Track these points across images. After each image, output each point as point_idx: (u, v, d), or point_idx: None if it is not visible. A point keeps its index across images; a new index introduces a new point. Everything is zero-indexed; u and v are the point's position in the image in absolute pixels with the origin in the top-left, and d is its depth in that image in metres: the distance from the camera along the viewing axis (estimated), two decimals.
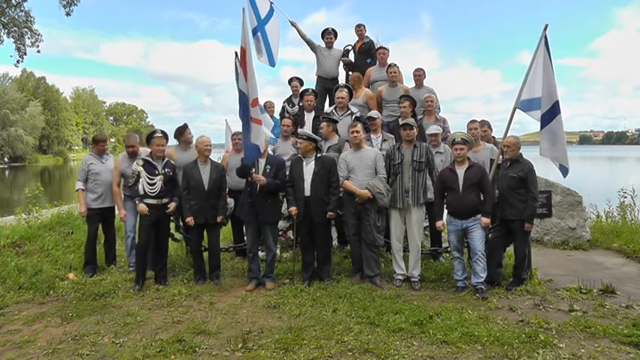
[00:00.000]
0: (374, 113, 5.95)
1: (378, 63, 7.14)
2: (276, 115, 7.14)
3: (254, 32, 6.70)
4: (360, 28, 7.49)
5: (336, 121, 5.97)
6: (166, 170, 5.18)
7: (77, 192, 5.76)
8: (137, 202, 5.09)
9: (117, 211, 5.92)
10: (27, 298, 4.86)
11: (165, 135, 5.29)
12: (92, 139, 6.09)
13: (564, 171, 5.53)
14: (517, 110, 5.59)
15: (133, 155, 5.67)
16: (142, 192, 5.06)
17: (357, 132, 5.28)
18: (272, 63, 7.00)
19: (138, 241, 5.20)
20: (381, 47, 7.10)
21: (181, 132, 5.86)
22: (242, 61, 4.82)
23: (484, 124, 5.97)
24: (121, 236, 6.52)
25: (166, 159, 5.29)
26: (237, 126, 5.70)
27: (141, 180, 5.05)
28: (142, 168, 5.08)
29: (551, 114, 5.34)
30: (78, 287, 5.12)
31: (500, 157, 5.36)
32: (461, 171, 4.98)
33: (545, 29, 5.51)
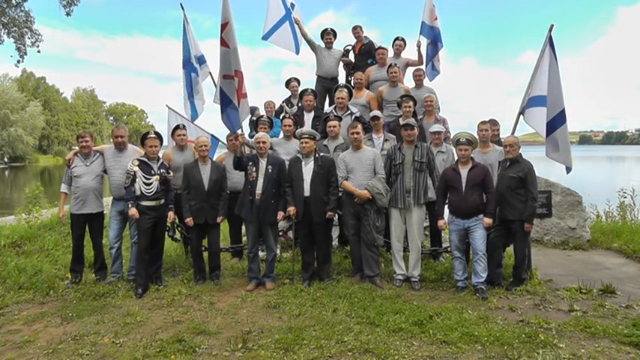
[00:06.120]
0: (378, 113, 5.96)
1: (377, 63, 7.14)
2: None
3: (282, 21, 7.26)
4: (357, 30, 7.50)
5: (341, 119, 5.99)
6: (162, 171, 5.16)
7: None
8: (130, 205, 4.93)
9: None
10: (27, 298, 4.86)
11: (159, 136, 5.24)
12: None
13: (568, 169, 5.69)
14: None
15: (120, 146, 5.39)
16: (138, 193, 4.99)
17: (358, 133, 5.28)
18: (297, 51, 7.55)
19: (138, 245, 5.11)
20: (380, 47, 7.10)
21: (172, 134, 5.89)
22: (222, 38, 5.39)
23: (495, 123, 5.96)
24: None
25: (160, 160, 5.27)
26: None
27: (137, 180, 4.99)
28: (137, 168, 5.01)
29: (559, 121, 5.39)
30: (78, 287, 5.11)
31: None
32: (464, 171, 4.98)
33: (550, 30, 5.50)
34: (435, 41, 7.38)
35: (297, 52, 7.62)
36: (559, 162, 5.68)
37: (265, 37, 7.39)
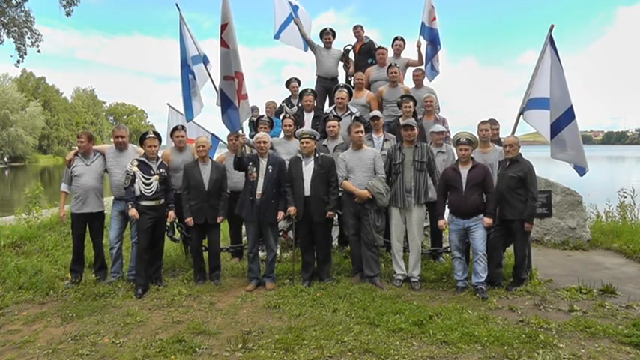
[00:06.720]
0: (378, 113, 5.96)
1: (377, 63, 7.15)
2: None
3: (289, 20, 7.44)
4: (357, 30, 7.51)
5: (340, 119, 5.99)
6: (161, 171, 5.15)
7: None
8: (130, 206, 4.94)
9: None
10: (27, 298, 4.86)
11: (158, 136, 5.24)
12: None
13: (581, 171, 5.58)
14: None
15: (121, 147, 5.40)
16: (137, 193, 4.99)
17: (362, 132, 5.29)
18: (306, 48, 7.65)
19: (138, 245, 5.12)
20: (380, 47, 7.10)
21: (171, 134, 5.86)
22: (222, 39, 5.41)
23: (495, 123, 5.96)
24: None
25: (160, 160, 5.27)
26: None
27: (136, 180, 4.99)
28: (137, 168, 5.01)
29: (565, 120, 5.34)
30: (78, 287, 5.11)
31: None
32: (464, 171, 4.98)
33: (550, 30, 5.49)
34: (433, 42, 7.39)
35: (306, 50, 7.69)
36: (569, 162, 5.59)
37: (276, 37, 7.61)
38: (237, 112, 5.67)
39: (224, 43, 5.44)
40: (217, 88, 5.89)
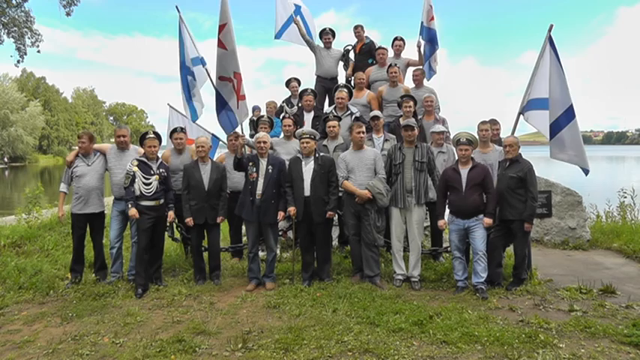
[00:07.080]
0: (378, 113, 5.96)
1: (377, 63, 7.15)
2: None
3: (291, 19, 7.50)
4: (358, 30, 7.51)
5: (340, 119, 5.99)
6: (161, 170, 5.16)
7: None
8: (130, 205, 4.95)
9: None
10: (27, 298, 4.86)
11: (158, 136, 5.24)
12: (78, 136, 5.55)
13: (585, 171, 5.60)
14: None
15: (122, 146, 5.41)
16: (137, 193, 4.99)
17: (364, 132, 5.29)
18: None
19: (138, 245, 5.12)
20: (380, 47, 7.10)
21: (170, 136, 5.85)
22: (219, 40, 5.41)
23: (495, 123, 5.96)
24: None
25: (160, 160, 5.27)
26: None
27: (136, 180, 4.99)
28: (137, 168, 5.01)
29: (565, 119, 5.34)
30: (78, 287, 5.11)
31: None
32: (464, 171, 4.98)
33: (549, 30, 5.50)
34: (431, 42, 7.38)
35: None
36: (570, 163, 5.58)
37: (277, 37, 7.64)
38: (233, 112, 5.66)
39: (221, 44, 5.43)
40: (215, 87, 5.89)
